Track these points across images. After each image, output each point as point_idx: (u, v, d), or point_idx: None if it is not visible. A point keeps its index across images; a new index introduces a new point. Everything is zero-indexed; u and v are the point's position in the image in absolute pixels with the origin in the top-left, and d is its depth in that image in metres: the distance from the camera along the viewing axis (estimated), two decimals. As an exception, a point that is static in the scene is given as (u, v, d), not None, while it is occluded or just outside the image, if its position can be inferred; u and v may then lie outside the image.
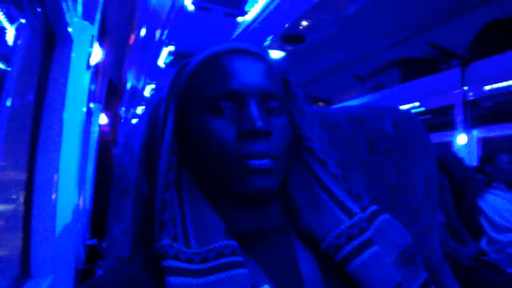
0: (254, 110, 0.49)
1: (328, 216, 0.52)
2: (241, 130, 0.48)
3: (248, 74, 0.51)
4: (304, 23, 3.94)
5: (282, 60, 4.94)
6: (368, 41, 4.52)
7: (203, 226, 0.49)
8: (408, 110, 0.77)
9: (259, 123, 0.47)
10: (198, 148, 0.50)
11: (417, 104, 4.84)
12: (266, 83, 0.51)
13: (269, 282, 0.48)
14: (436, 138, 4.58)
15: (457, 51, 4.28)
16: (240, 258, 0.46)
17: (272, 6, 3.66)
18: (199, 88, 0.52)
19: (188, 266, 0.45)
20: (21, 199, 1.32)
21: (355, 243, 0.49)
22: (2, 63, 1.30)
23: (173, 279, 0.43)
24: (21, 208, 1.32)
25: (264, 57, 0.55)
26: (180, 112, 0.54)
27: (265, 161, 0.48)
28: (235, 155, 0.48)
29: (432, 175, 0.72)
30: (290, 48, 4.65)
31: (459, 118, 4.39)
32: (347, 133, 0.72)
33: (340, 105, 0.99)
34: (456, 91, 4.32)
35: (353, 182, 0.69)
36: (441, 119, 4.72)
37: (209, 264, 0.45)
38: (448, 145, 4.47)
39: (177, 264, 0.44)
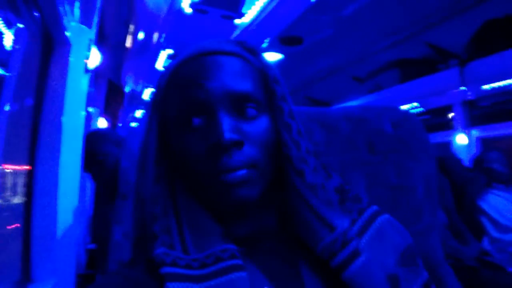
0: (221, 120, 0.45)
1: (310, 230, 0.51)
2: (209, 144, 0.45)
3: (216, 79, 0.47)
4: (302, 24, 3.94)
5: (280, 62, 4.95)
6: (366, 42, 4.53)
7: (200, 232, 0.48)
8: (407, 110, 0.77)
9: (227, 135, 0.44)
10: (178, 163, 0.49)
11: (416, 104, 4.85)
12: (237, 84, 0.47)
13: (269, 284, 0.48)
14: (435, 138, 4.58)
15: (455, 51, 4.29)
16: (238, 262, 0.45)
17: (269, 8, 3.67)
18: (172, 100, 0.49)
19: (187, 272, 0.44)
20: (22, 204, 1.32)
21: (339, 258, 0.48)
22: (1, 68, 1.30)
23: (172, 285, 0.42)
24: (22, 212, 1.32)
25: (239, 53, 0.51)
26: (164, 124, 0.52)
27: (239, 173, 0.45)
28: (208, 171, 0.46)
29: (431, 175, 0.71)
30: (288, 50, 4.65)
31: (458, 118, 4.40)
32: (346, 134, 0.72)
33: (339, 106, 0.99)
34: (454, 91, 4.32)
35: (353, 182, 0.69)
36: (440, 119, 4.73)
37: (208, 269, 0.45)
38: (447, 145, 4.47)
39: (176, 270, 0.44)
